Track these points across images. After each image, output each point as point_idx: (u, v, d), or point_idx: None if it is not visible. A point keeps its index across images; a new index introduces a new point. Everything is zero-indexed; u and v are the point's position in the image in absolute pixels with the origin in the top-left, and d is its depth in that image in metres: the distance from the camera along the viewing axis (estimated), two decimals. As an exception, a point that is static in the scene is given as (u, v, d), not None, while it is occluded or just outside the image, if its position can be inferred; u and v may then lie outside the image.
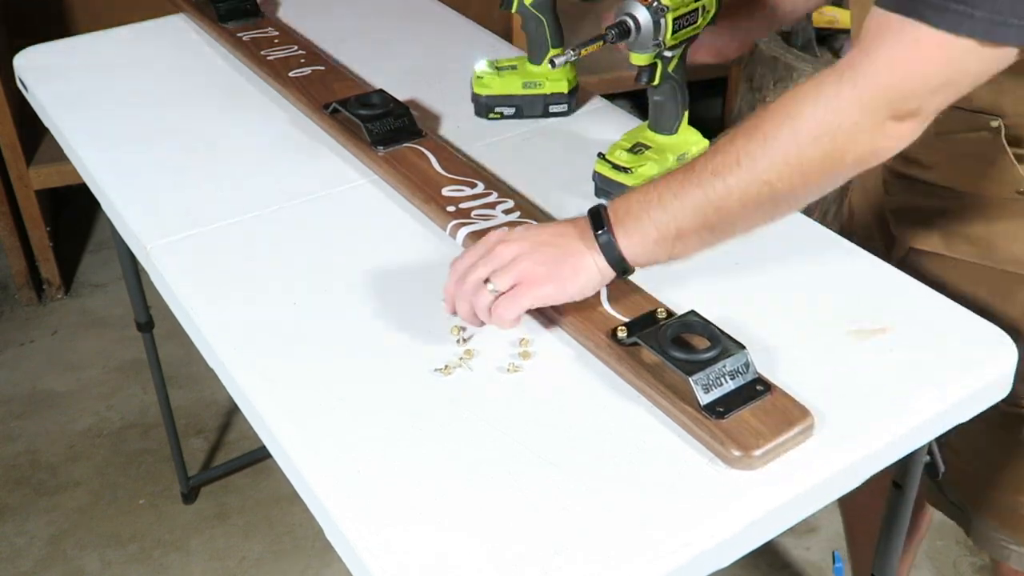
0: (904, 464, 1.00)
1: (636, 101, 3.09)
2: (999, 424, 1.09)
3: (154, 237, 1.08)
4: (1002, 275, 1.04)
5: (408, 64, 1.45)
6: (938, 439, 0.96)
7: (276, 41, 1.45)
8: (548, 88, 1.27)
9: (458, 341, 0.92)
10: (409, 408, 0.85)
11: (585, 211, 0.90)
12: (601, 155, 1.10)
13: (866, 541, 1.48)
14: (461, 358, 0.90)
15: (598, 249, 0.87)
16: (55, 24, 2.63)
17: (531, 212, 1.07)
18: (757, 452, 0.77)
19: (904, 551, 1.49)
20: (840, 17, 2.45)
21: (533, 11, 1.25)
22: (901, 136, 0.81)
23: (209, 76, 1.43)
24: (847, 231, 1.22)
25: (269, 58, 1.40)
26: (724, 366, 0.82)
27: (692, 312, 0.88)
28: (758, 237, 0.99)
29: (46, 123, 1.38)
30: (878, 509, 1.10)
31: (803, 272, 1.00)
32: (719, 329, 0.85)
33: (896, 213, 1.13)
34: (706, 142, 1.14)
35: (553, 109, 1.29)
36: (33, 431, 2.16)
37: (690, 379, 0.80)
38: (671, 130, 1.12)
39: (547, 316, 0.94)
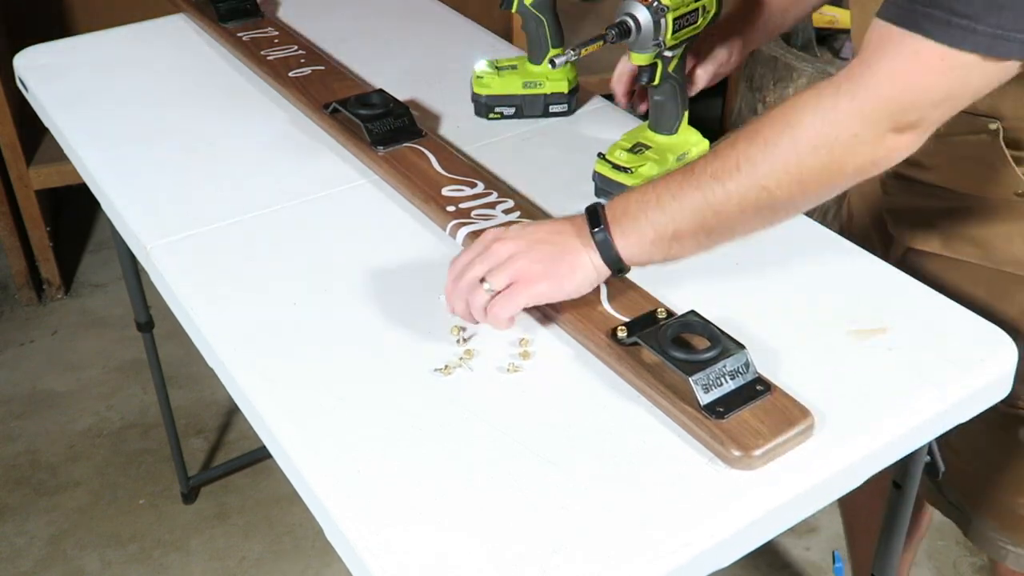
0: (904, 464, 1.00)
1: (636, 101, 3.09)
2: (999, 425, 1.09)
3: (154, 237, 1.08)
4: (1000, 275, 1.04)
5: (408, 64, 1.45)
6: (938, 439, 0.97)
7: (276, 41, 1.45)
8: (548, 88, 1.27)
9: (458, 341, 0.92)
10: (409, 408, 0.85)
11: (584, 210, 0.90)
12: (601, 155, 1.10)
13: (866, 541, 1.48)
14: (461, 358, 0.90)
15: (594, 247, 0.87)
16: (55, 24, 2.63)
17: (531, 212, 1.07)
18: (757, 452, 0.77)
19: (904, 550, 1.49)
20: (840, 17, 2.45)
21: (533, 11, 1.25)
22: (901, 148, 0.81)
23: (209, 76, 1.43)
24: (846, 233, 1.22)
25: (269, 58, 1.40)
26: (724, 366, 0.82)
27: (692, 312, 0.88)
28: (758, 237, 0.99)
29: (46, 123, 1.38)
30: (877, 509, 1.10)
31: (803, 272, 1.00)
32: (719, 329, 0.85)
33: (894, 213, 1.13)
34: (706, 142, 1.14)
35: (553, 109, 1.29)
36: (33, 431, 2.16)
37: (690, 379, 0.80)
38: (671, 130, 1.12)
39: (547, 315, 0.94)
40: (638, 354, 0.86)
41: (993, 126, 0.97)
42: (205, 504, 1.99)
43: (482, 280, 0.88)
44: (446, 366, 0.89)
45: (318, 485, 0.79)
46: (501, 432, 0.82)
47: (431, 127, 1.26)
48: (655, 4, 1.00)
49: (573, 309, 0.92)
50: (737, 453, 0.77)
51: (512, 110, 1.28)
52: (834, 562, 1.84)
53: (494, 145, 1.24)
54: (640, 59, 1.05)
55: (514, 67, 1.29)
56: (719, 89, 2.97)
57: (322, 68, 1.37)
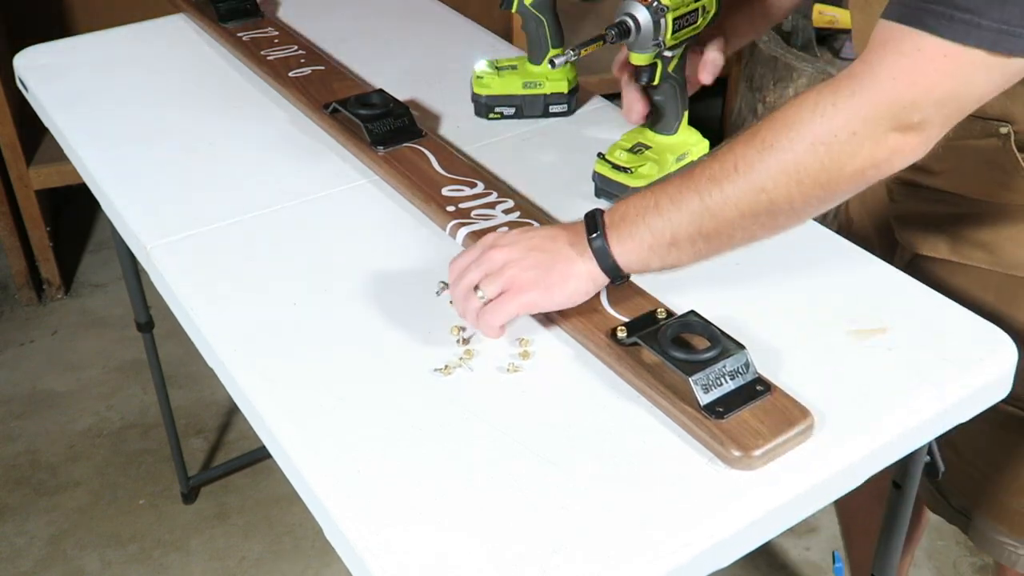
0: (904, 464, 1.00)
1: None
2: (1000, 424, 1.08)
3: (154, 237, 1.08)
4: (1010, 280, 1.03)
5: (408, 64, 1.45)
6: (939, 439, 0.96)
7: (276, 41, 1.45)
8: (548, 88, 1.27)
9: (458, 341, 0.92)
10: (409, 408, 0.85)
11: (584, 212, 0.90)
12: (601, 155, 1.10)
13: (863, 543, 1.48)
14: (461, 358, 0.90)
15: (590, 254, 0.87)
16: (55, 24, 2.63)
17: (531, 212, 1.07)
18: (757, 452, 0.77)
19: (903, 554, 1.49)
20: (840, 17, 2.45)
21: (533, 11, 1.25)
22: (905, 151, 0.80)
23: (209, 76, 1.43)
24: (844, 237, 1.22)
25: (269, 58, 1.40)
26: (724, 366, 0.82)
27: (692, 312, 0.88)
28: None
29: (46, 123, 1.38)
30: (874, 511, 1.10)
31: (803, 272, 1.00)
32: (719, 329, 0.85)
33: (901, 220, 1.12)
34: (706, 142, 1.14)
35: (553, 109, 1.29)
36: (33, 431, 2.16)
37: (690, 379, 0.80)
38: (671, 130, 1.12)
39: (547, 316, 0.94)
40: (638, 354, 0.86)
41: (1004, 130, 0.96)
42: (205, 504, 1.99)
43: (476, 287, 0.88)
44: (446, 366, 0.89)
45: (318, 485, 0.79)
46: (501, 432, 0.82)
47: (431, 127, 1.26)
48: (655, 4, 1.00)
49: (573, 309, 0.92)
50: (737, 453, 0.77)
51: (512, 110, 1.28)
52: (834, 562, 1.84)
53: (494, 145, 1.24)
54: (640, 59, 1.05)
55: (514, 67, 1.30)
56: (719, 89, 2.97)
57: (322, 68, 1.37)
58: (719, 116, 3.01)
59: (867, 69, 0.78)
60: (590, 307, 0.92)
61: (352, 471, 0.79)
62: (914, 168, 0.86)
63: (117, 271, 2.45)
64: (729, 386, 0.81)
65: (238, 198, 1.14)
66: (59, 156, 1.47)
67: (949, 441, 1.00)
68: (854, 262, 1.02)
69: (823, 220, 1.06)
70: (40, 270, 2.52)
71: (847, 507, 1.56)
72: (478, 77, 1.29)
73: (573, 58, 1.03)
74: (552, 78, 1.27)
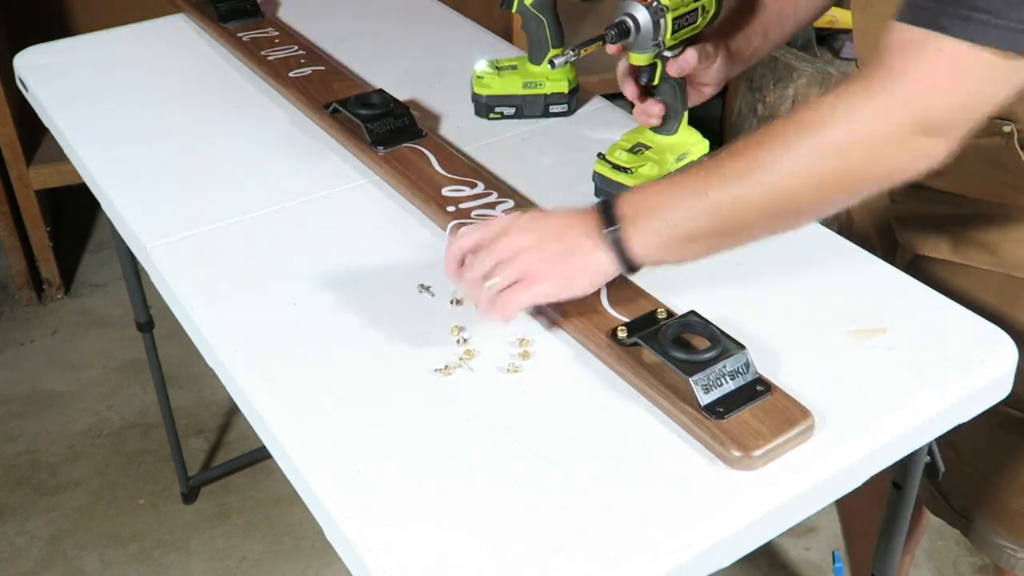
0: (904, 464, 1.00)
1: (636, 101, 3.09)
2: (1000, 425, 1.08)
3: (154, 237, 1.08)
4: (1012, 281, 1.03)
5: (408, 64, 1.45)
6: (940, 440, 0.96)
7: (276, 41, 1.45)
8: (548, 88, 1.27)
9: (458, 341, 0.92)
10: (409, 408, 0.85)
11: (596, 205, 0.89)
12: (601, 155, 1.10)
13: (863, 544, 1.48)
14: (461, 358, 0.90)
15: (605, 247, 0.86)
16: (55, 24, 2.63)
17: (531, 212, 1.07)
18: (757, 452, 0.77)
19: (903, 551, 1.49)
20: (840, 17, 2.45)
21: (533, 11, 1.25)
22: (929, 154, 0.79)
23: (209, 76, 1.43)
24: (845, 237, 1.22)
25: (269, 58, 1.40)
26: (724, 366, 0.82)
27: (692, 312, 0.88)
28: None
29: (46, 123, 1.38)
30: (873, 511, 1.10)
31: (803, 272, 1.00)
32: (719, 329, 0.85)
33: (902, 220, 1.12)
34: (706, 143, 1.14)
35: (553, 109, 1.29)
36: (33, 431, 2.16)
37: (690, 379, 0.80)
38: (671, 130, 1.12)
39: (547, 316, 0.94)
40: (638, 354, 0.86)
41: (1007, 128, 0.96)
42: (205, 504, 1.99)
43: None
44: (446, 366, 0.89)
45: (318, 485, 0.79)
46: (501, 432, 0.82)
47: (431, 127, 1.26)
48: (654, 4, 1.00)
49: (573, 309, 0.92)
50: (737, 453, 0.77)
51: (512, 110, 1.28)
52: (834, 562, 1.84)
53: (494, 145, 1.24)
54: (639, 59, 1.05)
55: (514, 67, 1.29)
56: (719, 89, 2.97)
57: (322, 68, 1.37)
58: (719, 116, 3.01)
59: (887, 73, 0.78)
60: (590, 307, 0.92)
61: (352, 471, 0.79)
62: None
63: (117, 271, 2.45)
64: (729, 386, 0.81)
65: (238, 198, 1.14)
66: (59, 156, 1.47)
67: (949, 442, 1.00)
68: (854, 262, 1.02)
69: (823, 220, 1.06)
70: (40, 270, 2.52)
71: (847, 508, 1.56)
72: (478, 77, 1.29)
73: (573, 58, 1.03)
74: (552, 78, 1.27)
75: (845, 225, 1.30)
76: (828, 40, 2.51)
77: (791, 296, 0.96)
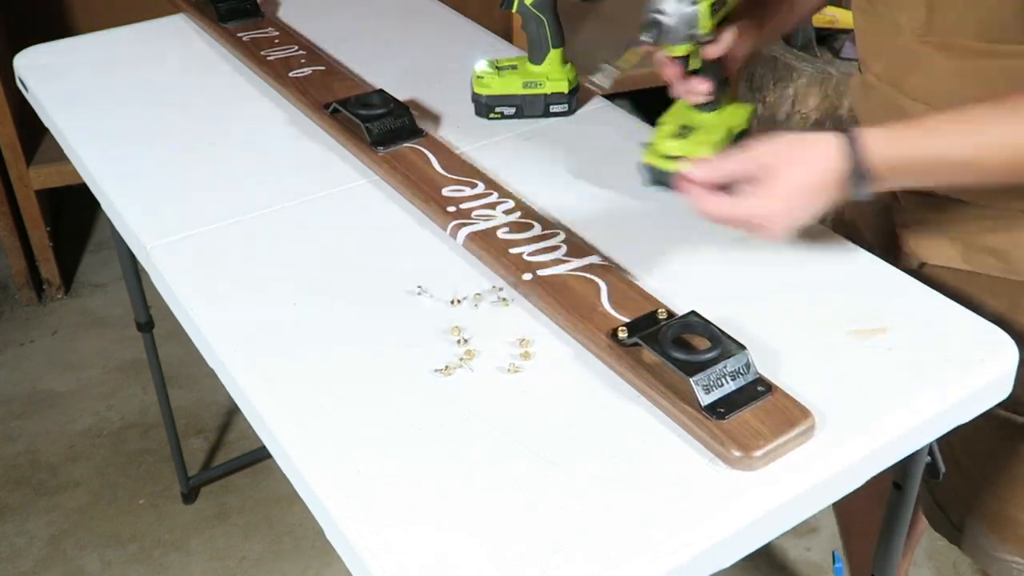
0: (904, 465, 1.00)
1: (636, 101, 3.09)
2: (999, 429, 1.08)
3: (154, 237, 1.08)
4: (1021, 287, 1.03)
5: (408, 64, 1.45)
6: (941, 448, 0.97)
7: (276, 41, 1.45)
8: (548, 88, 1.27)
9: (458, 341, 0.92)
10: (409, 408, 0.85)
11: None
12: (649, 144, 1.08)
13: (862, 544, 1.48)
14: (461, 358, 0.90)
15: (849, 191, 0.88)
16: (55, 24, 2.63)
17: (531, 212, 1.07)
18: (758, 453, 0.77)
19: (903, 552, 1.49)
20: (840, 17, 2.45)
21: (533, 11, 1.25)
22: None
23: (209, 76, 1.43)
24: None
25: (269, 58, 1.40)
26: (725, 367, 0.82)
27: (693, 312, 0.88)
28: (758, 237, 0.98)
29: (46, 123, 1.38)
30: (873, 512, 1.09)
31: (803, 272, 1.00)
32: (720, 329, 0.85)
33: (908, 228, 1.10)
34: (747, 107, 1.11)
35: (553, 109, 1.29)
36: (33, 431, 2.16)
37: (691, 380, 0.80)
38: (717, 106, 1.09)
39: (547, 316, 0.94)
40: (638, 354, 0.86)
41: None
42: (205, 504, 1.99)
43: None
44: (446, 366, 0.89)
45: (318, 485, 0.79)
46: (501, 432, 0.82)
47: (431, 127, 1.26)
48: None
49: (573, 309, 0.92)
50: (738, 454, 0.77)
51: (512, 110, 1.28)
52: (834, 562, 1.84)
53: (494, 145, 1.24)
54: (678, 51, 1.02)
55: (514, 67, 1.29)
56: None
57: (322, 68, 1.37)
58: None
59: None
60: (590, 307, 0.92)
61: (352, 471, 0.79)
62: None
63: (117, 271, 2.45)
64: (730, 386, 0.81)
65: (238, 198, 1.14)
66: (59, 156, 1.47)
67: (949, 452, 1.00)
68: (854, 262, 1.02)
69: (823, 220, 1.06)
70: (40, 270, 2.52)
71: (846, 509, 1.56)
72: (478, 77, 1.29)
73: (616, 75, 1.01)
74: (552, 78, 1.27)
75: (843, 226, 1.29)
76: (828, 40, 2.51)
77: (791, 296, 0.96)
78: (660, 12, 0.98)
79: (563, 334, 0.92)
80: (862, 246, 1.05)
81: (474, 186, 1.11)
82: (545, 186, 1.14)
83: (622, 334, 0.88)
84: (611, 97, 1.30)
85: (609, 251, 1.02)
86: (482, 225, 1.04)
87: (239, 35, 1.46)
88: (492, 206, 1.08)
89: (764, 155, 0.89)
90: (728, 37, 1.05)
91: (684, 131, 1.09)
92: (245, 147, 1.25)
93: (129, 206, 1.14)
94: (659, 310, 0.90)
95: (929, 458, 1.00)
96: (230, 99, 1.36)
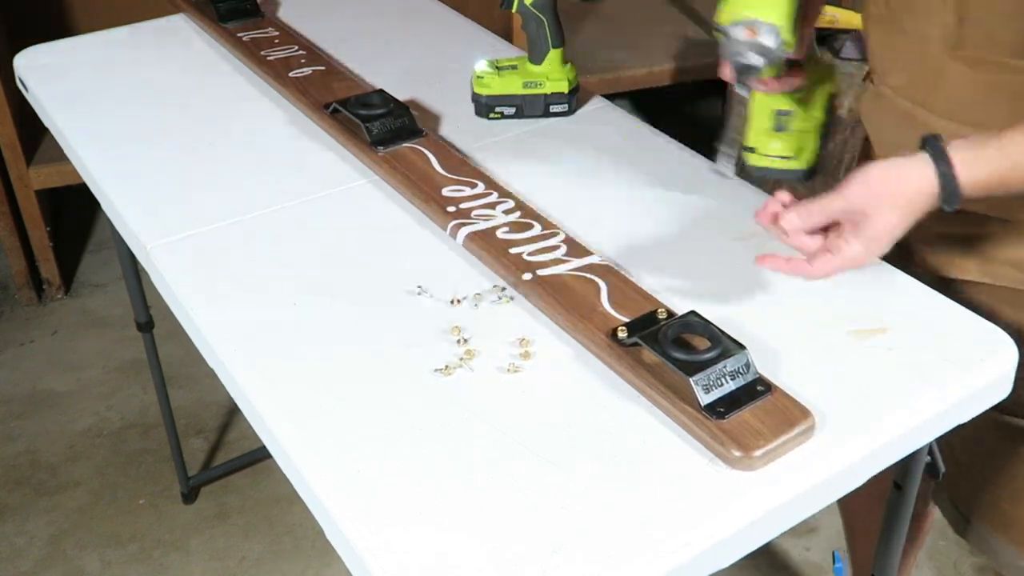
0: (904, 464, 1.00)
1: (636, 101, 3.09)
2: (996, 428, 1.08)
3: (154, 237, 1.08)
4: None
5: (408, 64, 1.45)
6: (939, 446, 0.96)
7: (276, 41, 1.45)
8: (548, 88, 1.27)
9: (458, 341, 0.92)
10: (409, 408, 0.85)
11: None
12: (749, 148, 1.05)
13: (866, 544, 1.47)
14: (461, 358, 0.90)
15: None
16: (55, 24, 2.63)
17: (531, 212, 1.07)
18: (757, 452, 0.77)
19: (906, 556, 1.49)
20: (840, 17, 2.45)
21: (533, 11, 1.25)
22: None
23: (209, 76, 1.43)
24: None
25: (269, 58, 1.40)
26: (725, 366, 0.82)
27: (692, 312, 0.88)
28: (758, 237, 0.99)
29: (46, 123, 1.38)
30: (876, 511, 1.09)
31: (803, 272, 1.00)
32: (719, 329, 0.85)
33: (926, 242, 1.09)
34: (829, 66, 1.08)
35: (554, 109, 1.29)
36: (33, 431, 2.16)
37: (690, 379, 0.80)
38: (803, 85, 1.07)
39: (547, 316, 0.94)
40: (638, 354, 0.86)
41: None
42: (205, 504, 1.99)
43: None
44: (446, 366, 0.89)
45: (318, 485, 0.79)
46: (501, 432, 0.82)
47: (431, 127, 1.26)
48: (762, 29, 0.93)
49: (573, 309, 0.92)
50: (737, 453, 0.77)
51: (512, 110, 1.28)
52: (834, 562, 1.84)
53: (494, 145, 1.24)
54: (772, 71, 1.00)
55: (514, 67, 1.29)
56: (719, 89, 2.97)
57: (322, 68, 1.37)
58: (719, 116, 3.01)
59: None
60: (590, 307, 0.92)
61: (352, 471, 0.79)
62: None
63: (117, 271, 2.45)
64: (730, 386, 0.81)
65: (238, 198, 1.14)
66: (59, 156, 1.47)
67: (949, 450, 0.99)
68: (854, 262, 1.02)
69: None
70: (40, 270, 2.52)
71: (850, 507, 1.56)
72: (478, 77, 1.29)
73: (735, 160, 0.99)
74: (552, 78, 1.27)
75: None
76: (828, 40, 2.51)
77: (791, 296, 0.96)
78: (747, 56, 0.95)
79: (563, 334, 0.92)
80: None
81: (474, 186, 1.11)
82: (545, 186, 1.14)
83: (622, 334, 0.88)
84: (611, 97, 1.30)
85: (609, 251, 1.02)
86: (482, 225, 1.04)
87: (239, 35, 1.46)
88: (492, 206, 1.08)
89: (858, 199, 0.87)
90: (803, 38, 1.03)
91: (780, 119, 1.06)
92: (245, 147, 1.25)
93: (129, 206, 1.14)
94: (659, 310, 0.90)
95: (929, 458, 1.00)
96: (230, 99, 1.36)
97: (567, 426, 0.82)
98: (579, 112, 1.31)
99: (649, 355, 0.85)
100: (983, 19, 0.92)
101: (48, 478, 2.05)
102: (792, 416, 0.80)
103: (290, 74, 1.35)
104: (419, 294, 0.98)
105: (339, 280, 1.01)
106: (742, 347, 0.83)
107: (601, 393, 0.86)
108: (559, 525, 0.74)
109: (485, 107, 1.29)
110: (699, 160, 1.20)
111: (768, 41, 0.93)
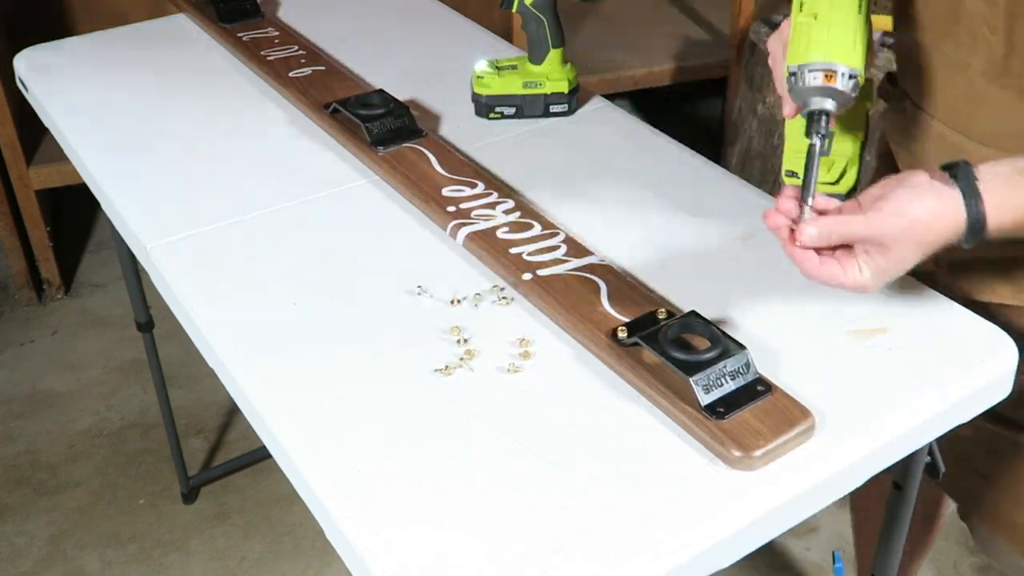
0: (905, 465, 1.00)
1: (636, 101, 3.09)
2: (990, 438, 1.07)
3: (154, 237, 1.08)
4: None
5: (408, 64, 1.45)
6: (938, 439, 0.96)
7: (276, 41, 1.45)
8: (548, 88, 1.27)
9: (458, 341, 0.92)
10: (409, 408, 0.85)
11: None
12: (790, 173, 1.01)
13: (870, 543, 1.47)
14: (461, 358, 0.90)
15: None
16: (55, 24, 2.63)
17: (531, 212, 1.07)
18: (757, 452, 0.77)
19: (914, 558, 1.49)
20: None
21: (533, 11, 1.25)
22: None
23: (209, 76, 1.43)
24: None
25: (269, 58, 1.40)
26: (725, 366, 0.82)
27: (693, 312, 0.88)
28: (758, 237, 0.99)
29: (46, 123, 1.38)
30: (880, 512, 1.09)
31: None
32: (720, 329, 0.85)
33: (955, 265, 1.07)
34: (858, 52, 1.05)
35: (553, 109, 1.29)
36: (33, 431, 2.16)
37: (690, 379, 0.80)
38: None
39: (547, 316, 0.94)
40: (638, 354, 0.86)
41: None
42: (205, 504, 1.99)
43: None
44: (446, 366, 0.89)
45: (318, 485, 0.79)
46: (501, 432, 0.82)
47: (431, 127, 1.26)
48: (842, 75, 0.87)
49: (573, 309, 0.92)
50: (737, 453, 0.77)
51: (512, 110, 1.28)
52: (834, 562, 1.84)
53: (494, 145, 1.24)
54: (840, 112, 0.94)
55: (514, 67, 1.29)
56: (719, 89, 2.97)
57: (322, 68, 1.37)
58: (719, 116, 3.01)
59: None
60: (590, 307, 0.92)
61: (352, 471, 0.79)
62: None
63: (117, 271, 2.45)
64: (730, 386, 0.81)
65: (238, 198, 1.14)
66: (59, 156, 1.47)
67: (951, 449, 0.99)
68: (854, 262, 1.02)
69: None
70: (40, 270, 2.52)
71: (859, 506, 1.55)
72: (478, 77, 1.29)
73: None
74: (552, 78, 1.27)
75: None
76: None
77: (791, 296, 0.96)
78: (821, 102, 0.88)
79: (563, 334, 0.92)
80: None
81: (474, 186, 1.11)
82: (545, 186, 1.14)
83: (622, 334, 0.88)
84: (611, 97, 1.30)
85: (609, 251, 1.02)
86: (482, 225, 1.04)
87: (239, 35, 1.46)
88: (492, 206, 1.08)
89: (886, 232, 0.83)
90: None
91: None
92: (245, 147, 1.25)
93: (129, 206, 1.14)
94: (659, 310, 0.90)
95: (929, 458, 1.00)
96: (230, 99, 1.36)
97: (567, 426, 0.83)
98: (579, 112, 1.31)
99: (649, 355, 0.85)
100: None
101: (48, 478, 2.05)
102: (792, 416, 0.80)
103: (290, 74, 1.35)
104: (419, 294, 0.98)
105: (339, 280, 1.01)
106: (742, 347, 0.83)
107: (601, 393, 0.86)
108: (559, 525, 0.74)
109: (485, 107, 1.29)
110: (699, 160, 1.20)
111: (846, 87, 0.87)
